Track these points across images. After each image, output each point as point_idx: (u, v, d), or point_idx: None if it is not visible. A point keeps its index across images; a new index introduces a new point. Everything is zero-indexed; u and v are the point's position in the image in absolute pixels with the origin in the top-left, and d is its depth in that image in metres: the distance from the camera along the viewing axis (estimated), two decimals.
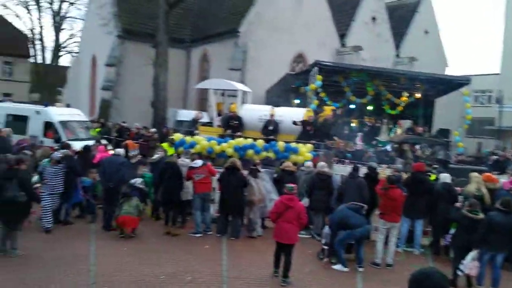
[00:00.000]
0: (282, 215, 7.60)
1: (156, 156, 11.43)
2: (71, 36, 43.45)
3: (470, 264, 7.59)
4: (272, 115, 14.17)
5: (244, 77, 24.48)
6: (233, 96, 17.22)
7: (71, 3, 38.87)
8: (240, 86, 16.27)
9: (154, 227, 10.43)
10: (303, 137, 13.78)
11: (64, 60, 72.44)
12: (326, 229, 9.17)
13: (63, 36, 40.92)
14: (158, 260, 8.26)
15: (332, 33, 27.64)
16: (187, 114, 24.46)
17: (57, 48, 39.50)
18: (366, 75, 20.30)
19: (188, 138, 13.07)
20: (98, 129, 17.11)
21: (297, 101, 19.96)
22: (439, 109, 23.86)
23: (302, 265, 8.51)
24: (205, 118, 24.01)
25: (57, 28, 38.61)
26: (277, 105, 16.03)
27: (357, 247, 8.69)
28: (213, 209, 10.79)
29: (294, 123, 14.18)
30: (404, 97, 20.84)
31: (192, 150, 12.18)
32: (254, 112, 15.25)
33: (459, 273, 7.79)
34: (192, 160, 10.55)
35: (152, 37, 23.72)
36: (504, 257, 7.88)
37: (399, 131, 21.36)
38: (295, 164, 11.64)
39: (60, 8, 38.33)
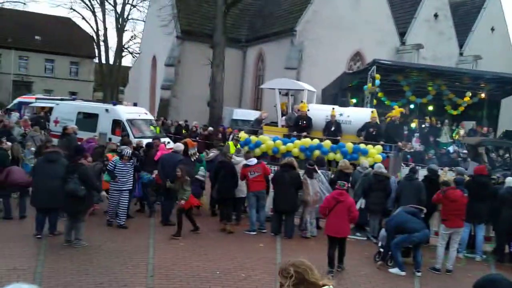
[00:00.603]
0: (333, 209, 7.83)
1: (211, 155, 11.63)
2: (133, 37, 45.22)
3: None
4: (333, 116, 13.95)
5: (300, 76, 24.38)
6: (291, 95, 17.13)
7: (133, 6, 40.36)
8: (306, 86, 16.14)
9: (210, 224, 10.60)
10: (367, 139, 13.51)
11: (126, 61, 75.31)
12: (383, 232, 8.96)
13: (125, 37, 42.49)
14: (214, 256, 8.40)
15: (392, 31, 26.97)
16: (242, 113, 24.77)
17: (120, 49, 41.07)
18: (427, 74, 19.64)
19: (254, 138, 13.18)
20: (158, 128, 17.61)
21: (353, 101, 19.66)
22: (505, 110, 22.68)
23: (358, 267, 8.37)
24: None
25: (120, 30, 40.15)
26: (336, 104, 15.85)
27: (415, 251, 8.44)
28: (268, 208, 10.83)
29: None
30: (467, 97, 19.99)
31: (257, 150, 12.34)
32: (321, 112, 15.04)
33: None
34: (247, 158, 10.62)
35: (210, 37, 24.16)
36: None
37: (461, 132, 20.52)
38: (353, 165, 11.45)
39: (123, 10, 39.86)
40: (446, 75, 19.94)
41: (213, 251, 8.70)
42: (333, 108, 14.11)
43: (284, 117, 15.43)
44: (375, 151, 12.22)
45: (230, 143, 12.81)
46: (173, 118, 25.16)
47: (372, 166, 10.94)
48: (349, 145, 12.33)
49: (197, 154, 11.47)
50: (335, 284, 2.96)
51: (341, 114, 14.00)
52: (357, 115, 14.24)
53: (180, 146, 11.08)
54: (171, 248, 8.68)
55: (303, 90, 15.75)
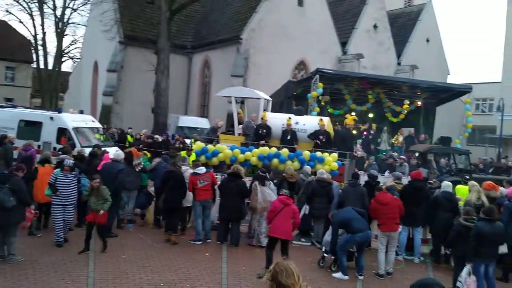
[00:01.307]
0: (279, 212, 8.06)
1: (153, 163, 11.35)
2: (74, 42, 43.46)
3: (468, 280, 7.52)
4: (289, 125, 14.12)
5: (246, 84, 24.55)
6: (242, 103, 17.13)
7: (74, 10, 39.00)
8: (262, 94, 16.18)
9: (154, 235, 10.39)
10: (317, 145, 13.74)
11: (66, 66, 72.75)
12: (326, 237, 9.14)
13: (65, 42, 40.76)
14: (158, 267, 8.22)
15: (334, 41, 27.74)
16: (188, 120, 24.55)
17: (60, 54, 39.58)
18: (367, 83, 20.35)
19: (211, 147, 13.04)
20: (104, 135, 17.03)
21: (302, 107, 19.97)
22: (440, 117, 23.85)
23: (302, 272, 8.40)
24: (205, 125, 24.10)
25: (60, 34, 38.72)
26: (282, 112, 16.03)
27: (358, 255, 8.67)
28: (214, 217, 10.75)
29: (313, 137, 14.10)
30: (406, 105, 20.87)
31: (215, 159, 12.26)
32: (277, 121, 15.12)
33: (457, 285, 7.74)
34: (196, 166, 10.52)
35: (154, 43, 23.84)
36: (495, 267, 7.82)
37: (400, 139, 21.37)
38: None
39: (63, 14, 38.45)
40: (385, 84, 20.75)
41: (157, 262, 8.52)
42: (290, 118, 14.30)
43: (241, 126, 15.42)
44: (331, 159, 12.51)
45: (183, 152, 12.56)
46: (116, 125, 24.51)
47: (314, 173, 11.15)
48: (306, 153, 12.54)
49: (142, 164, 11.16)
50: None
51: (297, 123, 14.24)
52: (312, 123, 14.52)
53: (120, 154, 10.76)
54: (112, 260, 8.41)
55: (259, 98, 15.81)
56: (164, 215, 10.57)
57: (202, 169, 10.29)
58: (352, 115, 17.38)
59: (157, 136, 19.72)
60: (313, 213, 10.42)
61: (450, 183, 10.53)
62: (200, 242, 9.94)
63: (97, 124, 17.70)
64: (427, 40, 33.35)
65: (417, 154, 17.42)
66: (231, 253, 9.28)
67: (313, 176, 11.03)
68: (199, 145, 13.12)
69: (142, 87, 26.30)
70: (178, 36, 28.91)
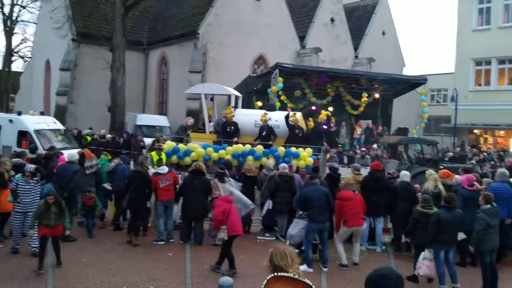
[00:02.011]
0: (230, 211, 7.98)
1: (112, 164, 11.01)
2: (24, 40, 41.78)
3: (418, 263, 7.73)
4: (264, 121, 14.02)
5: (205, 80, 24.31)
6: (211, 100, 16.86)
7: (23, 7, 37.46)
8: (232, 91, 15.96)
9: (115, 236, 10.12)
10: (292, 141, 13.74)
11: (17, 66, 69.99)
12: (290, 230, 9.16)
13: (15, 40, 39.21)
14: (120, 270, 8.01)
15: (292, 35, 27.83)
16: (147, 119, 24.09)
17: (9, 53, 37.98)
18: (326, 76, 20.55)
19: (182, 146, 12.76)
20: (60, 137, 16.40)
21: (259, 103, 19.96)
22: (397, 108, 24.42)
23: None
24: (164, 123, 23.72)
25: (9, 33, 37.14)
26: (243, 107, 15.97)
27: (322, 247, 8.73)
28: (176, 216, 10.57)
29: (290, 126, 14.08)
30: (364, 98, 21.22)
31: (187, 158, 12.02)
32: (248, 117, 14.93)
33: (415, 273, 7.92)
34: (158, 166, 10.30)
35: (108, 40, 23.22)
36: (454, 252, 8.05)
37: (359, 131, 21.74)
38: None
39: (11, 11, 36.88)
40: (343, 77, 21.03)
41: (120, 264, 8.30)
42: (265, 113, 14.24)
43: (212, 123, 15.19)
44: (306, 154, 12.54)
45: (153, 153, 12.19)
46: (71, 126, 23.73)
47: (277, 168, 11.15)
48: (281, 149, 12.52)
49: (95, 166, 10.71)
50: (301, 274, 3.10)
51: (269, 119, 14.20)
52: (283, 119, 14.50)
53: (75, 155, 10.39)
54: (72, 265, 8.12)
55: (229, 95, 15.63)
56: (132, 216, 10.23)
57: (164, 169, 10.10)
58: (326, 111, 17.58)
59: (109, 135, 19.10)
60: (276, 207, 10.44)
61: (408, 173, 10.78)
62: (163, 242, 9.76)
63: (59, 126, 17.10)
64: (383, 33, 34.01)
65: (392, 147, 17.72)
66: (195, 252, 9.15)
67: (275, 170, 11.03)
68: (170, 144, 12.85)
69: (97, 85, 25.56)
70: (133, 32, 28.27)
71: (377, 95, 22.10)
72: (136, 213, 9.86)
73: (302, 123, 14.87)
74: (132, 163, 12.57)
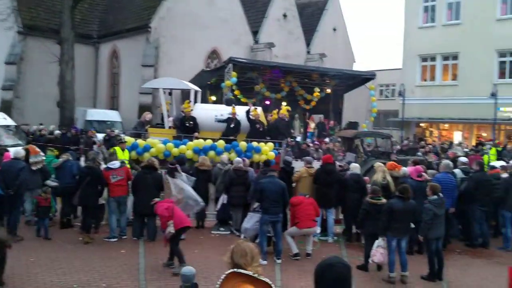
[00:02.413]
0: (174, 208, 7.99)
1: (60, 160, 10.69)
2: None
3: (373, 251, 8.04)
4: (233, 113, 13.95)
5: (158, 74, 24.01)
6: (170, 94, 16.61)
7: None
8: (191, 85, 15.74)
9: (64, 235, 9.86)
10: (253, 135, 13.77)
11: None
12: (245, 224, 9.25)
13: None
14: (71, 268, 7.82)
15: (245, 29, 27.90)
16: (97, 114, 23.50)
17: None
18: (279, 71, 20.77)
19: (141, 141, 12.48)
20: (10, 133, 15.68)
21: (213, 98, 19.94)
22: (347, 103, 25.01)
23: (222, 261, 8.45)
24: (116, 118, 23.22)
25: None
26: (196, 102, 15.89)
27: (276, 240, 8.87)
28: (129, 212, 10.41)
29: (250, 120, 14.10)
30: (316, 93, 21.62)
31: (146, 154, 11.77)
32: (208, 112, 14.75)
33: (369, 260, 8.22)
34: (110, 161, 10.10)
35: (56, 33, 22.44)
36: (407, 241, 8.39)
37: (312, 125, 22.13)
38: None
39: None
40: (296, 72, 21.34)
41: (70, 263, 8.10)
42: (234, 106, 14.21)
43: (171, 118, 14.98)
44: (267, 148, 12.59)
45: (117, 148, 11.90)
46: (17, 121, 22.77)
47: (231, 162, 11.21)
48: (243, 144, 12.49)
49: (41, 163, 10.33)
50: (261, 272, 3.08)
51: (229, 113, 14.19)
52: (243, 114, 14.55)
53: (20, 152, 10.01)
54: (20, 264, 7.84)
55: (189, 89, 15.46)
56: (84, 213, 9.98)
57: (115, 164, 9.91)
58: (286, 106, 17.79)
59: (58, 131, 18.50)
60: (231, 201, 10.50)
61: (358, 165, 11.12)
62: (115, 239, 9.60)
63: (10, 122, 16.34)
64: (334, 29, 34.67)
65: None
66: (148, 248, 9.06)
67: (229, 165, 11.09)
68: (128, 140, 12.59)
69: (45, 79, 24.62)
70: (82, 25, 27.41)
71: (328, 90, 22.57)
72: (88, 210, 9.66)
73: (262, 118, 15.02)
74: (82, 159, 12.26)
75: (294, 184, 10.65)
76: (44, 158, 10.69)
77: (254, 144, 12.71)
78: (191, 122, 13.96)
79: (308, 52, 32.14)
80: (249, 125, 14.21)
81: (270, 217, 8.69)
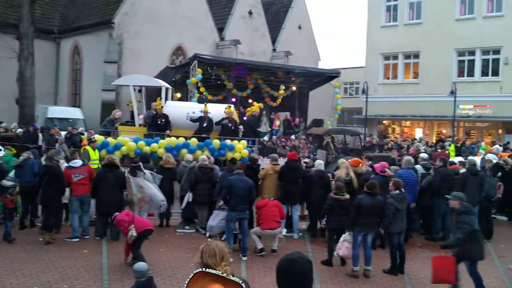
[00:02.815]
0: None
1: (20, 158, 10.36)
2: None
3: (339, 245, 8.17)
4: (206, 112, 13.82)
5: (121, 70, 23.60)
6: (139, 92, 16.33)
7: None
8: (163, 83, 15.51)
9: (25, 235, 9.57)
10: (225, 133, 13.72)
11: None
12: (210, 222, 9.22)
13: None
14: (31, 270, 7.60)
15: (211, 26, 27.75)
16: (59, 111, 22.90)
17: None
18: (245, 68, 20.78)
19: (112, 140, 12.18)
20: None
21: (178, 95, 19.76)
22: (312, 101, 25.27)
23: (187, 260, 8.45)
24: (78, 115, 22.70)
25: None
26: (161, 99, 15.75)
27: (242, 237, 8.89)
28: (92, 211, 10.20)
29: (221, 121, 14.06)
30: (282, 90, 21.76)
31: (117, 153, 11.55)
32: (180, 110, 14.58)
33: (335, 254, 8.34)
34: (72, 159, 9.86)
35: (15, 27, 21.67)
36: (373, 237, 8.57)
37: (277, 122, 22.25)
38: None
39: None
40: (262, 70, 21.39)
41: (30, 264, 7.88)
42: (205, 105, 14.12)
43: (141, 116, 14.77)
44: (241, 146, 12.55)
45: (88, 147, 11.56)
46: None
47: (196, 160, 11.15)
48: (216, 142, 12.42)
49: None
50: (230, 272, 3.03)
51: (201, 111, 14.09)
52: (217, 111, 14.54)
53: None
54: None
55: (160, 87, 15.28)
56: (45, 212, 9.70)
57: (77, 162, 9.69)
58: (259, 104, 17.84)
59: (20, 129, 17.93)
60: (197, 199, 10.42)
61: (322, 162, 11.26)
62: (77, 239, 9.39)
63: None
64: (299, 27, 34.93)
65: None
66: (112, 248, 8.91)
67: (194, 162, 11.02)
68: (99, 138, 12.30)
69: (3, 76, 23.76)
70: (42, 19, 26.60)
71: (294, 88, 22.76)
72: (50, 209, 9.41)
73: (235, 116, 15.05)
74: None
75: (260, 182, 10.68)
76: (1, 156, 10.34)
77: (228, 142, 12.72)
78: (163, 120, 13.84)
79: (274, 50, 32.27)
80: (217, 123, 14.30)
81: (237, 214, 8.69)
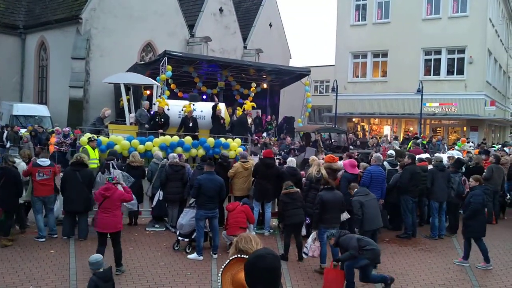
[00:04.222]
0: (101, 205, 7.62)
1: None
2: None
3: (313, 246, 8.21)
4: (189, 112, 13.72)
5: (89, 67, 23.15)
6: (128, 89, 16.12)
7: None
8: (153, 81, 15.35)
9: None
10: (217, 131, 13.68)
11: None
12: (180, 220, 9.16)
13: None
14: None
15: (181, 23, 27.51)
16: (25, 108, 22.33)
17: None
18: (215, 66, 20.71)
19: (104, 138, 11.91)
20: None
21: (148, 92, 19.51)
22: (283, 98, 25.41)
23: (157, 258, 8.40)
24: (44, 112, 22.19)
25: None
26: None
27: (213, 235, 8.86)
28: (59, 210, 9.98)
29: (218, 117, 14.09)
30: (253, 88, 21.78)
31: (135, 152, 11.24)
32: (171, 108, 14.57)
33: (304, 256, 8.37)
34: (41, 157, 9.61)
35: None
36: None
37: (249, 120, 22.25)
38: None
39: None
40: (232, 67, 21.35)
41: None
42: (190, 104, 14.03)
43: (132, 114, 14.57)
44: (235, 144, 12.50)
45: (87, 147, 11.27)
46: None
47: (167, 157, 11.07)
48: (211, 140, 12.34)
49: None
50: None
51: (194, 110, 14.02)
52: (209, 110, 14.58)
53: None
54: None
55: (152, 85, 15.13)
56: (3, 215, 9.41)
57: (45, 161, 9.44)
58: (251, 103, 17.86)
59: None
60: (167, 197, 10.33)
61: (294, 159, 11.34)
62: (44, 239, 9.17)
63: None
64: (270, 25, 35.04)
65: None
66: (80, 247, 8.77)
67: (165, 160, 10.92)
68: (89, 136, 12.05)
69: None
70: (7, 14, 25.86)
71: (265, 85, 22.80)
72: (7, 212, 9.09)
73: (226, 114, 15.09)
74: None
75: (230, 179, 10.67)
76: None
77: (222, 140, 12.74)
78: (162, 120, 13.80)
79: (245, 47, 32.27)
80: (212, 121, 14.26)
81: (205, 212, 8.63)
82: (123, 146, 12.03)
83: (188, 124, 13.96)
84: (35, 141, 17.11)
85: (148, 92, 19.24)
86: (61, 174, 9.91)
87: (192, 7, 29.90)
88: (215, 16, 30.15)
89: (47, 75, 26.22)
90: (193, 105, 14.79)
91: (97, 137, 12.28)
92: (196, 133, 13.67)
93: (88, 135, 12.17)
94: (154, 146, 12.20)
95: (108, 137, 12.79)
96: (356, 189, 8.60)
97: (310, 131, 17.99)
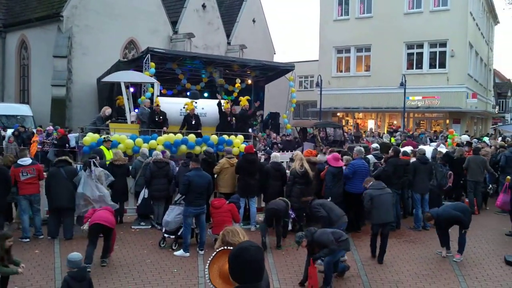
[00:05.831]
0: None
1: None
2: None
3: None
4: (191, 109, 13.66)
5: (71, 65, 22.92)
6: (127, 88, 15.98)
7: None
8: (152, 79, 15.26)
9: None
10: (223, 127, 13.65)
11: None
12: (166, 217, 9.15)
13: None
14: None
15: (164, 19, 27.37)
16: (6, 108, 22.02)
17: None
18: (199, 62, 20.63)
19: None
20: None
21: (131, 89, 19.37)
22: (268, 94, 25.44)
23: (143, 256, 8.39)
24: (26, 112, 21.90)
25: None
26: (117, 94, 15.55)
27: (200, 231, 8.88)
28: (44, 210, 9.90)
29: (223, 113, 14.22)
30: (238, 84, 21.77)
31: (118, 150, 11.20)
32: (172, 106, 14.51)
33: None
34: (21, 157, 9.51)
35: None
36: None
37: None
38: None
39: None
40: (216, 63, 21.30)
41: None
42: (195, 102, 14.10)
43: (133, 113, 14.50)
44: (238, 141, 12.52)
45: (102, 147, 11.20)
46: None
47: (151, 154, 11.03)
48: (214, 137, 12.36)
49: None
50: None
51: (195, 107, 14.01)
52: (211, 107, 14.64)
53: None
54: None
55: (152, 83, 15.04)
56: None
57: (26, 161, 9.34)
58: (246, 97, 17.79)
59: None
60: (153, 195, 10.30)
61: (278, 155, 11.40)
62: (28, 240, 9.08)
63: None
64: (253, 21, 35.00)
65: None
66: (65, 247, 8.69)
67: (150, 157, 10.88)
68: (93, 136, 11.96)
69: None
70: None
71: (249, 81, 22.80)
72: None
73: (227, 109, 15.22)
74: None
75: (216, 176, 10.68)
76: None
77: (225, 137, 12.78)
78: (161, 118, 13.75)
79: (229, 43, 32.21)
80: (220, 118, 14.33)
81: (194, 209, 8.62)
82: (127, 145, 12.02)
83: (191, 122, 13.98)
84: (19, 141, 16.91)
85: (131, 89, 19.12)
86: (45, 174, 9.81)
87: (174, 4, 29.73)
88: (198, 13, 30.03)
89: (28, 74, 25.89)
90: (195, 102, 14.80)
91: (100, 136, 12.30)
92: (199, 131, 13.67)
93: (97, 136, 12.19)
94: (158, 144, 12.20)
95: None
96: (371, 183, 8.71)
97: (307, 126, 18.22)
